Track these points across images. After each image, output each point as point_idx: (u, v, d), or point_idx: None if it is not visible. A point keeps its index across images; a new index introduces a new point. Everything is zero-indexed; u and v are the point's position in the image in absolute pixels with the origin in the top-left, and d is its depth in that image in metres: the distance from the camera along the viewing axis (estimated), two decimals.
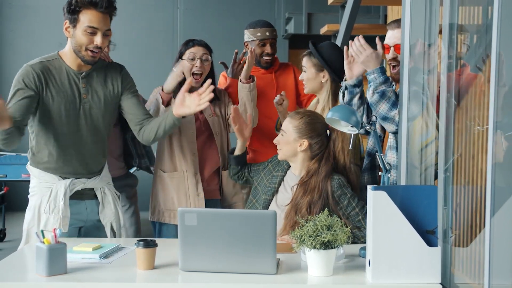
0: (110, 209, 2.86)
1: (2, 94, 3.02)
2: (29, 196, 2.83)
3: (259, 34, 3.69)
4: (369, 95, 2.72)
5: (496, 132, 1.88)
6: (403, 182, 2.54)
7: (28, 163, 2.82)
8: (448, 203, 2.26)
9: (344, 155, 2.72)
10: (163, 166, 3.25)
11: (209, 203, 3.25)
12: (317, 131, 2.75)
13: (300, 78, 3.33)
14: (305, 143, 2.72)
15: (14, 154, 6.19)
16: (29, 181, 2.87)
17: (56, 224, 2.71)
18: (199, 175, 3.21)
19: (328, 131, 2.76)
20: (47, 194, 2.74)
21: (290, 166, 2.84)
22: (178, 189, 3.20)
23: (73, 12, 2.63)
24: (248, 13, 7.74)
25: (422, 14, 2.50)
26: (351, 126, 2.36)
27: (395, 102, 2.68)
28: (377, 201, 2.08)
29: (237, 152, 3.04)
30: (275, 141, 2.81)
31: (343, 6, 4.99)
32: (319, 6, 6.87)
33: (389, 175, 2.40)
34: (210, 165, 3.27)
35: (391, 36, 2.84)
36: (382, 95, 2.69)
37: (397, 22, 2.79)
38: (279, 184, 2.81)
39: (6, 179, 5.35)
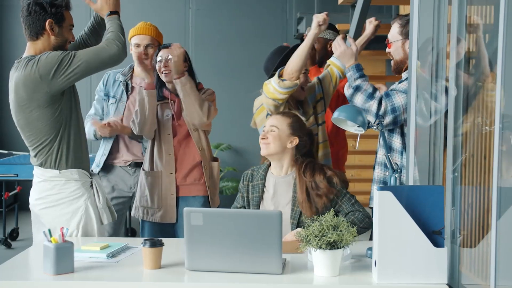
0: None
1: None
2: (65, 200, 2.77)
3: None
4: (345, 91, 2.90)
5: (503, 133, 1.87)
6: (410, 182, 2.53)
7: (58, 171, 2.75)
8: (456, 204, 2.24)
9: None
10: (144, 165, 3.40)
11: (189, 201, 3.30)
12: (305, 131, 2.83)
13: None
14: (296, 140, 2.76)
15: (27, 153, 6.24)
16: None
17: (111, 216, 2.87)
18: (174, 174, 3.32)
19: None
20: (92, 191, 2.82)
21: (266, 171, 2.83)
22: (152, 187, 3.33)
23: (61, 13, 2.78)
24: (259, 13, 7.75)
25: (431, 13, 2.49)
26: (358, 126, 2.36)
27: (371, 94, 2.79)
28: (383, 202, 2.07)
29: None
30: (262, 135, 2.80)
31: (353, 6, 4.97)
32: (331, 6, 6.85)
33: (396, 175, 2.39)
34: (187, 162, 3.35)
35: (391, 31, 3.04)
36: (357, 88, 2.86)
37: (393, 20, 3.04)
38: (262, 191, 2.81)
39: (17, 178, 5.40)
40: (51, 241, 2.19)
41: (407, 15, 3.03)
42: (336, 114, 2.41)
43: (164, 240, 2.30)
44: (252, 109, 3.43)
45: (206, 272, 2.20)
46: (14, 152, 6.42)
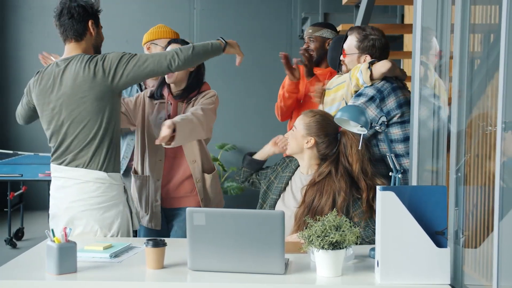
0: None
1: (21, 95, 3.04)
2: (106, 205, 2.75)
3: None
4: None
5: (507, 133, 1.87)
6: (414, 183, 2.53)
7: (106, 174, 2.74)
8: (460, 204, 2.24)
9: (354, 161, 2.70)
10: (134, 169, 3.30)
11: (180, 211, 3.19)
12: (326, 131, 2.75)
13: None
14: (312, 140, 2.75)
15: (32, 153, 6.27)
16: (46, 181, 2.87)
17: (137, 221, 2.91)
18: (160, 182, 3.18)
19: (338, 135, 2.76)
20: (125, 196, 2.84)
21: (298, 167, 2.86)
22: (140, 192, 3.23)
23: (98, 14, 2.87)
24: (264, 13, 7.75)
25: (434, 13, 2.49)
26: (360, 126, 2.36)
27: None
28: (386, 202, 2.06)
29: (258, 156, 3.02)
30: (285, 135, 2.86)
31: (357, 6, 4.98)
32: (335, 6, 6.86)
33: (399, 175, 2.39)
34: (178, 173, 3.20)
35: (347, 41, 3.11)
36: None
37: (352, 29, 3.09)
38: (287, 184, 2.83)
39: (22, 178, 5.41)
40: (54, 241, 2.20)
41: (364, 29, 3.05)
42: (338, 114, 2.41)
43: (167, 240, 2.30)
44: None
45: (208, 272, 2.20)
46: (19, 152, 6.45)
